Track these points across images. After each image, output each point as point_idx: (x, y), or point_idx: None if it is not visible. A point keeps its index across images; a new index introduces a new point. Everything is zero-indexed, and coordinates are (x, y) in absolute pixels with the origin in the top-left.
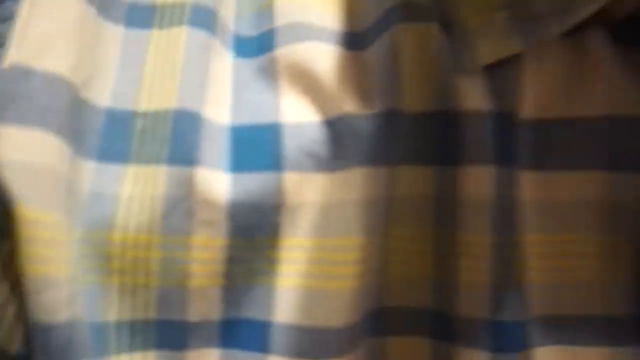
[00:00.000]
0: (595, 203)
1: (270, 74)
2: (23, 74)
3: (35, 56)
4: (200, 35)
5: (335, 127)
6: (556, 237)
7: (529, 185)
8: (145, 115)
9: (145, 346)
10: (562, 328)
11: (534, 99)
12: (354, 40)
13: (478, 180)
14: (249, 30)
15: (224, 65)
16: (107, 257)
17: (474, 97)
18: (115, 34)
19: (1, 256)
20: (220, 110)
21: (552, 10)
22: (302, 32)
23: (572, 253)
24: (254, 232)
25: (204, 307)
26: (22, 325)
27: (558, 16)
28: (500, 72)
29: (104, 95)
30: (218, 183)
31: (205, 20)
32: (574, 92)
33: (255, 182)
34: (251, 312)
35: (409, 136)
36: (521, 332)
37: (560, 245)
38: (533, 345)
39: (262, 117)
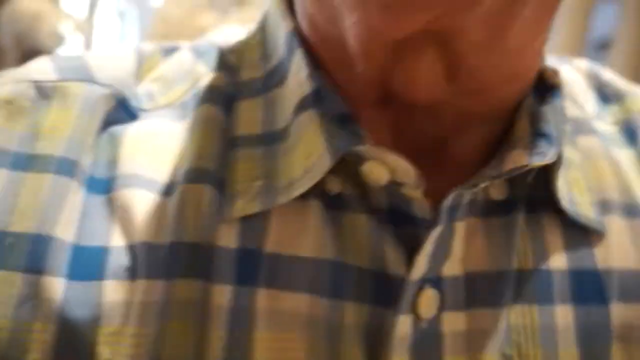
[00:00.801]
0: (305, 311)
1: (109, 209)
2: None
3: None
4: (63, 179)
5: (136, 250)
6: (279, 336)
7: (262, 298)
8: (12, 234)
9: None
10: None
11: (271, 240)
12: (164, 189)
13: (221, 295)
14: (102, 174)
15: (78, 198)
16: None
17: (227, 237)
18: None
19: None
20: (68, 231)
21: (284, 185)
22: (133, 181)
23: (292, 348)
24: (77, 322)
25: None
26: None
27: (286, 190)
28: (251, 221)
29: None
30: (57, 287)
31: (68, 169)
32: (295, 238)
33: (82, 287)
34: None
35: (182, 257)
36: None
37: (282, 342)
38: None
39: (96, 241)
